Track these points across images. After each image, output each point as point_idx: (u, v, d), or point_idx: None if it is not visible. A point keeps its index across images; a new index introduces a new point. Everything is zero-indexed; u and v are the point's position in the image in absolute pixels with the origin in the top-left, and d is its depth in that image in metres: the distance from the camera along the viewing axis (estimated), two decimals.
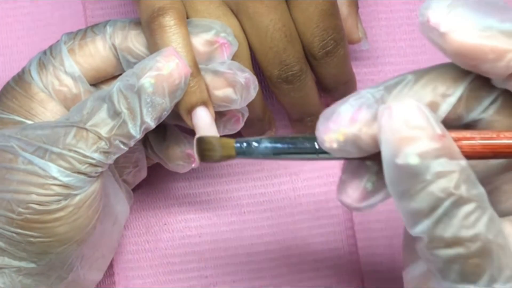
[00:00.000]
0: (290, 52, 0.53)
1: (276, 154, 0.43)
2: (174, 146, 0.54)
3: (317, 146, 0.42)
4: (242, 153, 0.44)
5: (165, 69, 0.48)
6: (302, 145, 0.43)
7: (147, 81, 0.48)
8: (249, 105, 0.52)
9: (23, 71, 0.52)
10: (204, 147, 0.46)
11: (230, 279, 0.58)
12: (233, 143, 0.44)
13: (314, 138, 0.42)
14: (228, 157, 0.45)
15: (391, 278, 0.58)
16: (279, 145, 0.43)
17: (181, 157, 0.54)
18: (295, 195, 0.59)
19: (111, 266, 0.58)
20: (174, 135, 0.54)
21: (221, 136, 0.47)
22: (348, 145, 0.41)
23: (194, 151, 0.47)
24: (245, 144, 0.44)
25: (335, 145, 0.41)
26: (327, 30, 0.53)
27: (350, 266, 0.58)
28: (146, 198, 0.59)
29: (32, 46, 0.61)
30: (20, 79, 0.52)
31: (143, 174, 0.57)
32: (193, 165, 0.55)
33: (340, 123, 0.41)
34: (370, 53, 0.61)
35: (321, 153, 0.42)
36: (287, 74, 0.53)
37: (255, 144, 0.43)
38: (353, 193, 0.42)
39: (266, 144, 0.43)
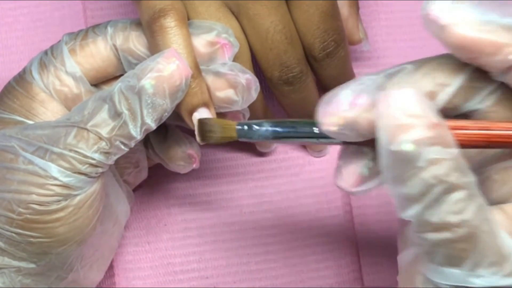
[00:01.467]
0: (290, 54, 0.53)
1: (276, 137, 0.44)
2: (175, 146, 0.54)
3: (316, 131, 0.43)
4: (243, 135, 0.45)
5: (166, 70, 0.48)
6: (302, 129, 0.44)
7: (147, 82, 0.47)
8: (250, 106, 0.52)
9: (24, 71, 0.52)
10: (205, 128, 0.47)
11: (230, 279, 0.58)
12: (235, 125, 0.45)
13: (314, 123, 0.43)
14: (230, 138, 0.46)
15: (392, 278, 0.58)
16: (279, 129, 0.44)
17: (182, 157, 0.54)
18: (295, 195, 0.59)
19: (111, 267, 0.58)
20: (175, 136, 0.54)
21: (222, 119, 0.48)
22: (346, 129, 0.42)
23: (195, 133, 0.48)
24: (246, 127, 0.45)
25: (334, 128, 0.42)
26: (328, 31, 0.53)
27: (351, 267, 0.59)
28: (147, 199, 0.59)
29: (32, 46, 0.61)
30: (21, 79, 0.52)
31: (144, 174, 0.57)
32: (194, 166, 0.55)
33: (340, 107, 0.42)
34: (371, 53, 0.61)
35: (321, 138, 0.44)
36: (287, 76, 0.53)
37: (256, 127, 0.45)
38: (349, 178, 0.44)
39: (267, 127, 0.45)
